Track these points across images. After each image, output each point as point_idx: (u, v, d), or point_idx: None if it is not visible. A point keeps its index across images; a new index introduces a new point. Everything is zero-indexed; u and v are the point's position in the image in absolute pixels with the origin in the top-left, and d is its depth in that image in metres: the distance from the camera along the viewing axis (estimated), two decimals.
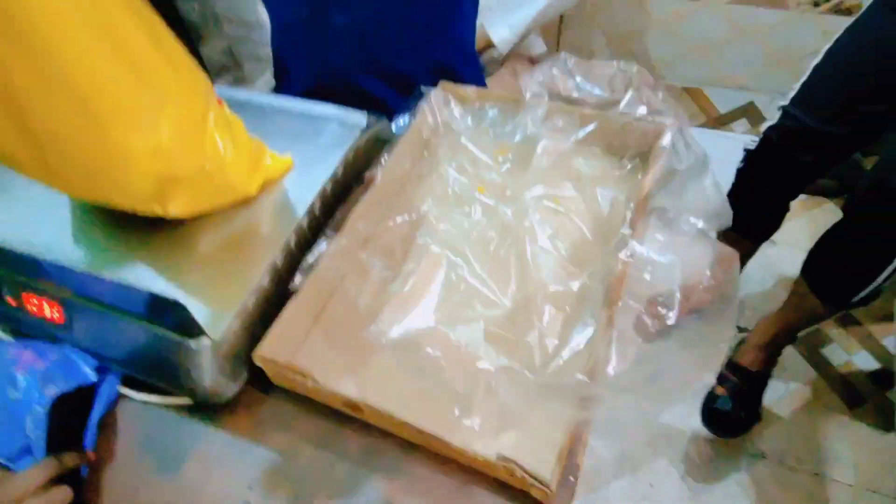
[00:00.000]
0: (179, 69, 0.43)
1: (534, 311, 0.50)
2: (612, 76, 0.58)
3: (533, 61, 1.22)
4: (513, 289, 0.52)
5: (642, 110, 0.57)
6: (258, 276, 0.47)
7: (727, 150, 1.12)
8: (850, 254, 0.87)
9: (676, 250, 0.48)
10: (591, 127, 0.60)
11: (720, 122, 1.63)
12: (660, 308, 0.43)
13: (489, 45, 1.11)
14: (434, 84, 0.64)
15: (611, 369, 0.40)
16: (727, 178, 1.06)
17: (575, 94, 0.59)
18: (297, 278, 0.49)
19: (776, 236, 1.10)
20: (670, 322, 0.42)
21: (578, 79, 0.59)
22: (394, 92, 0.77)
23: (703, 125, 1.63)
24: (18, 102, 0.36)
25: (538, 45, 1.23)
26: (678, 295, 0.42)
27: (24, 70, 0.35)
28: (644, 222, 0.50)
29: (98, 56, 0.37)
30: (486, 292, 0.52)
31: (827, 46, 0.88)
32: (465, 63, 0.82)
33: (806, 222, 1.41)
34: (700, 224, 0.50)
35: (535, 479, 0.38)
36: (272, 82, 1.40)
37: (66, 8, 0.34)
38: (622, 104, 0.56)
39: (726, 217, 0.51)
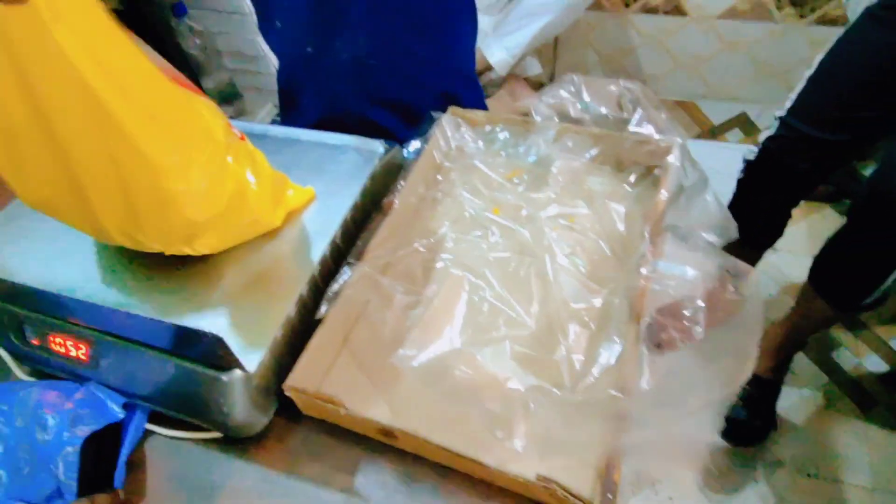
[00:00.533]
0: (195, 109, 0.44)
1: (559, 329, 0.51)
2: (619, 95, 0.60)
3: (530, 82, 1.25)
4: (536, 308, 0.53)
5: (650, 128, 0.59)
6: (287, 308, 0.48)
7: (725, 161, 1.14)
8: (855, 259, 0.88)
9: (695, 265, 0.48)
10: (601, 146, 0.61)
11: (715, 133, 1.66)
12: (686, 322, 0.43)
13: (487, 68, 1.14)
14: (439, 111, 0.65)
15: (644, 383, 0.40)
16: (727, 189, 1.07)
17: (583, 115, 0.60)
18: (323, 307, 0.49)
19: (777, 243, 1.11)
20: (698, 336, 0.42)
21: (586, 98, 0.61)
22: (400, 122, 0.79)
23: (698, 137, 1.65)
24: (68, 147, 0.37)
25: (534, 67, 1.26)
26: (704, 309, 0.43)
27: (79, 117, 0.36)
28: (661, 238, 0.51)
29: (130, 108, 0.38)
30: (509, 312, 0.53)
31: (819, 57, 0.91)
32: (467, 89, 0.84)
33: (805, 228, 1.43)
34: (710, 238, 0.51)
35: (578, 498, 0.38)
36: (274, 112, 1.42)
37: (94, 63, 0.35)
38: (632, 123, 0.58)
39: (732, 229, 0.53)
